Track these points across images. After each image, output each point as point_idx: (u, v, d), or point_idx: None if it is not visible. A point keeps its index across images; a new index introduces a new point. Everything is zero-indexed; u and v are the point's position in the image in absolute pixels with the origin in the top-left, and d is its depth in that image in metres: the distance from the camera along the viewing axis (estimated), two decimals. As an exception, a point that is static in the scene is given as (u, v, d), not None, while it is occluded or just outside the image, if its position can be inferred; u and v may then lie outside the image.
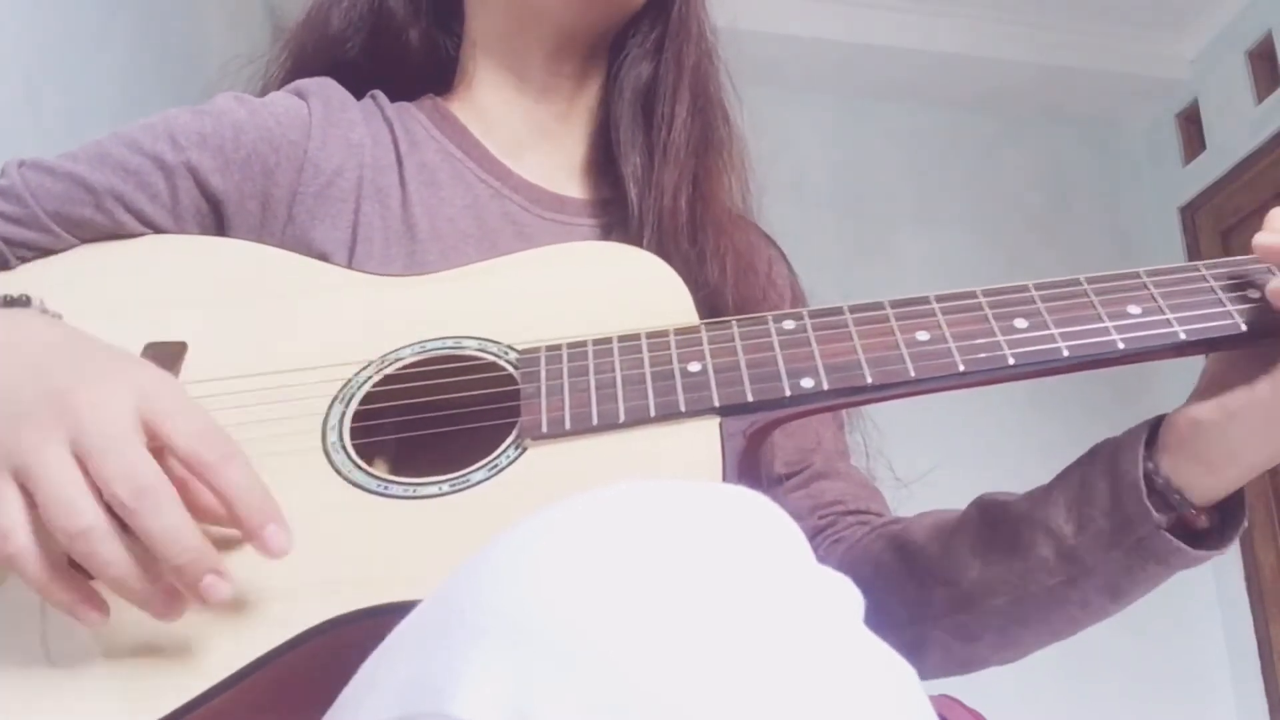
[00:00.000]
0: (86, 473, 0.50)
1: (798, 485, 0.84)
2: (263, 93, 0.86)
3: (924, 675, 0.74)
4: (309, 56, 0.90)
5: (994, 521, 0.69)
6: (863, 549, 0.78)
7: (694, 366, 0.62)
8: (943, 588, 0.71)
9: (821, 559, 0.78)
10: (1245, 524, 0.64)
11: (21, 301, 0.64)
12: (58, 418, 0.50)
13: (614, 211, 0.85)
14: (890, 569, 0.74)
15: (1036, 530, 0.66)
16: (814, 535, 0.81)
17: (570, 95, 0.88)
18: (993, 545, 0.69)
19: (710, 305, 0.76)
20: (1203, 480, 0.62)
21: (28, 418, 0.51)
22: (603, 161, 0.88)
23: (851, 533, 0.80)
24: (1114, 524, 0.63)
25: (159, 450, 0.52)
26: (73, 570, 0.51)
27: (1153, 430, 0.64)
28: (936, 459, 0.87)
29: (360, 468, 0.60)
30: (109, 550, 0.49)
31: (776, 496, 0.81)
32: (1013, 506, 0.69)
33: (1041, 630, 0.69)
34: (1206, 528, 0.64)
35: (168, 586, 0.51)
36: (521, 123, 0.88)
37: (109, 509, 0.50)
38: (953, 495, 0.78)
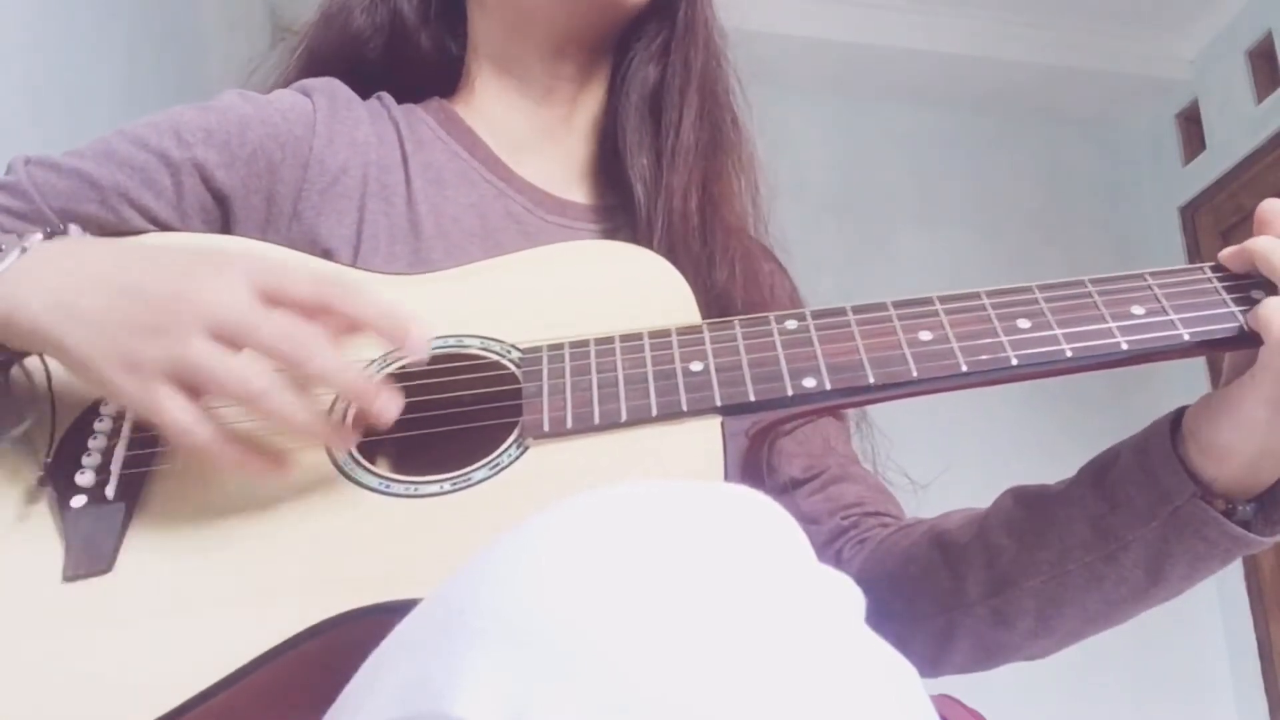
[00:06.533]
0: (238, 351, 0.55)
1: (815, 489, 0.83)
2: (270, 91, 0.85)
3: (952, 668, 0.74)
4: (327, 56, 0.89)
5: (1028, 503, 0.69)
6: (891, 544, 0.77)
7: (696, 366, 0.61)
8: (977, 572, 0.70)
9: (848, 559, 0.78)
10: None
11: (61, 231, 0.67)
12: (190, 316, 0.55)
13: (618, 217, 0.85)
14: (922, 558, 0.74)
15: (1072, 508, 0.67)
16: (838, 536, 0.81)
17: (572, 98, 0.88)
18: (1027, 526, 0.69)
19: (719, 307, 0.76)
20: (1246, 485, 0.62)
21: (157, 326, 0.55)
22: (607, 166, 0.88)
23: (875, 533, 0.80)
24: (1150, 497, 0.63)
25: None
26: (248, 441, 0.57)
27: (1174, 427, 0.64)
28: (939, 463, 0.87)
29: (362, 466, 0.60)
30: (293, 400, 0.55)
31: (794, 500, 0.81)
32: (1046, 490, 0.69)
33: (1077, 614, 0.69)
34: (1249, 519, 0.63)
35: (338, 422, 0.59)
36: (524, 126, 0.87)
37: None
38: (955, 499, 0.77)
